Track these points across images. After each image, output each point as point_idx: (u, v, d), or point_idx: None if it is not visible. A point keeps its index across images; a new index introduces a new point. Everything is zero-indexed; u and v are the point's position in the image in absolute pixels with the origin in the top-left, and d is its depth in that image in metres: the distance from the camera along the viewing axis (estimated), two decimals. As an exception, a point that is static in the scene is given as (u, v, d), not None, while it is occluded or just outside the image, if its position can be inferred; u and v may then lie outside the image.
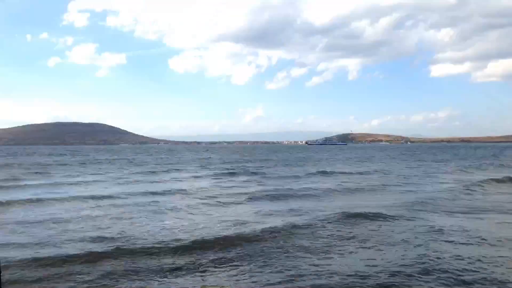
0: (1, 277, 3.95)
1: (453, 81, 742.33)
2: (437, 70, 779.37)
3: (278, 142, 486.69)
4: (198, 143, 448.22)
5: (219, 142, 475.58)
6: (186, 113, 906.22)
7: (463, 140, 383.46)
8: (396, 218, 12.33)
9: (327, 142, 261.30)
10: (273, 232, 10.47)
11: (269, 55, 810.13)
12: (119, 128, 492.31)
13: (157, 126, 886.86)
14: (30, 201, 16.42)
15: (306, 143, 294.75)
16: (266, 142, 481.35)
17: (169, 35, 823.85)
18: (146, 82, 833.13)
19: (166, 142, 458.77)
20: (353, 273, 7.44)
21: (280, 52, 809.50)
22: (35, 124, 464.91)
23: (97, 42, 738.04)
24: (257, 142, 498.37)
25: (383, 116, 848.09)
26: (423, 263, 7.91)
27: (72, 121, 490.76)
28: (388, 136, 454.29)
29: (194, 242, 9.52)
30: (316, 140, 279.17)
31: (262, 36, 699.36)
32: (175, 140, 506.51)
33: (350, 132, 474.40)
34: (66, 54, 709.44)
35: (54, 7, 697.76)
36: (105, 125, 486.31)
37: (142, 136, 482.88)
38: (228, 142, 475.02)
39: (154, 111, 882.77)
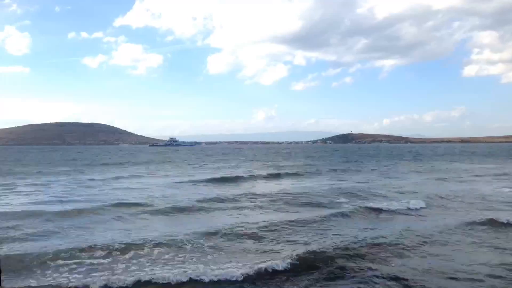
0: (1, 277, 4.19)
1: (481, 82, 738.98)
2: (469, 71, 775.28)
3: (278, 142, 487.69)
4: (197, 143, 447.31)
5: (219, 143, 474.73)
6: (194, 113, 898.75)
7: (463, 141, 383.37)
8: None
9: (172, 143, 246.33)
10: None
11: (307, 56, 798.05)
12: (118, 128, 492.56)
13: (164, 126, 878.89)
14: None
15: (151, 145, 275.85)
16: (266, 143, 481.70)
17: (215, 35, 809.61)
18: (174, 83, 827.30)
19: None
20: None
21: (317, 53, 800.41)
22: (35, 124, 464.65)
23: (146, 43, 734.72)
24: (257, 142, 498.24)
25: (395, 116, 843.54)
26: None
27: (72, 121, 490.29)
28: (389, 136, 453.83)
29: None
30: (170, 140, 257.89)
31: (305, 37, 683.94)
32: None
33: (350, 132, 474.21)
34: (112, 55, 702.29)
35: (120, 6, 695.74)
36: (105, 125, 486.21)
37: (142, 137, 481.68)
38: (228, 142, 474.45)
39: (163, 111, 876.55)
